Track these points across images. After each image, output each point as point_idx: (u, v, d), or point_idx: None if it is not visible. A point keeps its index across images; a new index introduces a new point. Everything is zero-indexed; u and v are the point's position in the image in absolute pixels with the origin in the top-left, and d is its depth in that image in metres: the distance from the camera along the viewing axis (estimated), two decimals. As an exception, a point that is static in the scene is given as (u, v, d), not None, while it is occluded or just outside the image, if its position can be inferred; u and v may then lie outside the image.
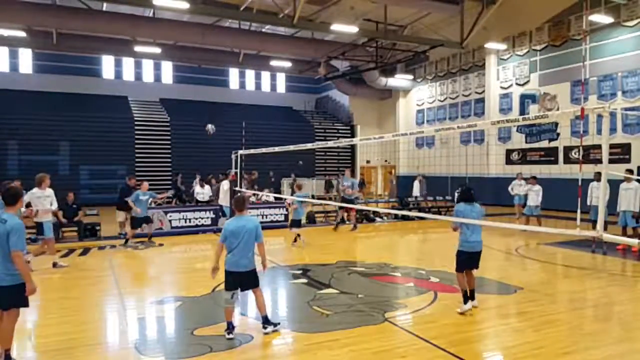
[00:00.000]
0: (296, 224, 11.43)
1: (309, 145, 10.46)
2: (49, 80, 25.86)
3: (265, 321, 5.41)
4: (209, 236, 12.94)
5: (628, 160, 16.26)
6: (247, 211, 5.64)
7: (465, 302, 6.08)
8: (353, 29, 18.36)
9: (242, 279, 5.35)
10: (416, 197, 19.28)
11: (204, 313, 6.20)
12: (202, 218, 13.85)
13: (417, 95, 27.18)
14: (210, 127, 14.19)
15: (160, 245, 11.73)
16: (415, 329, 5.52)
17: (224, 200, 12.47)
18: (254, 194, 15.02)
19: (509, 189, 15.26)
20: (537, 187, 13.12)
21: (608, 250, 10.26)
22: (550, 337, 5.24)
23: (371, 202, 19.55)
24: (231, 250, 5.31)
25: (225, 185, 13.19)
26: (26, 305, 4.55)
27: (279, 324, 5.51)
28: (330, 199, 20.14)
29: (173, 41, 22.45)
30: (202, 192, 16.04)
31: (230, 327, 5.24)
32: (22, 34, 19.72)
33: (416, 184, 19.65)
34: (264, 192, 16.37)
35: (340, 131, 30.33)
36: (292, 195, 13.90)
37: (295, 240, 11.48)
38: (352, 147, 29.21)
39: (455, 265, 6.23)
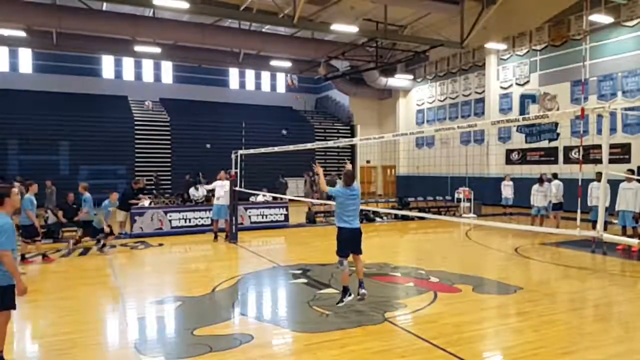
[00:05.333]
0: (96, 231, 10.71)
1: (309, 145, 10.45)
2: (49, 80, 25.87)
3: (360, 285, 6.18)
4: (209, 236, 12.93)
5: (628, 160, 16.24)
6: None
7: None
8: (353, 29, 18.36)
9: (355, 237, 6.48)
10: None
11: (204, 313, 6.20)
12: (202, 218, 13.85)
13: (417, 95, 27.17)
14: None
15: (160, 245, 11.75)
16: (415, 329, 5.52)
17: (225, 200, 12.44)
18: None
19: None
20: (545, 188, 13.09)
21: (608, 250, 10.26)
22: (550, 337, 5.23)
23: (371, 202, 19.54)
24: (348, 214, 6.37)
25: (226, 185, 13.16)
26: (13, 307, 4.41)
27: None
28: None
29: (173, 41, 22.43)
30: (196, 193, 16.26)
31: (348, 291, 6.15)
32: (22, 34, 19.72)
33: (505, 185, 17.78)
34: (261, 192, 16.35)
35: (340, 131, 30.34)
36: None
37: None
38: (352, 147, 29.19)
39: None
